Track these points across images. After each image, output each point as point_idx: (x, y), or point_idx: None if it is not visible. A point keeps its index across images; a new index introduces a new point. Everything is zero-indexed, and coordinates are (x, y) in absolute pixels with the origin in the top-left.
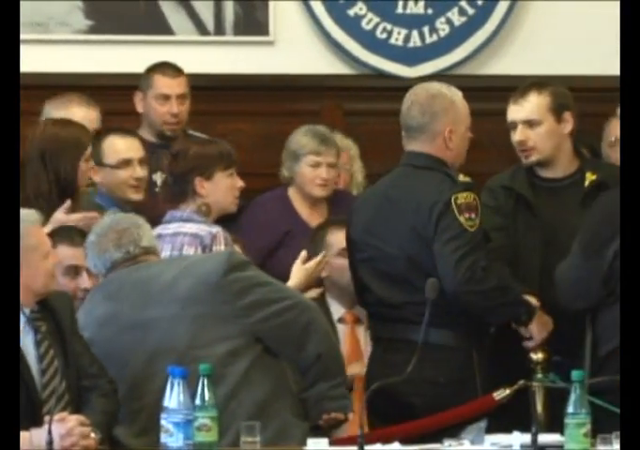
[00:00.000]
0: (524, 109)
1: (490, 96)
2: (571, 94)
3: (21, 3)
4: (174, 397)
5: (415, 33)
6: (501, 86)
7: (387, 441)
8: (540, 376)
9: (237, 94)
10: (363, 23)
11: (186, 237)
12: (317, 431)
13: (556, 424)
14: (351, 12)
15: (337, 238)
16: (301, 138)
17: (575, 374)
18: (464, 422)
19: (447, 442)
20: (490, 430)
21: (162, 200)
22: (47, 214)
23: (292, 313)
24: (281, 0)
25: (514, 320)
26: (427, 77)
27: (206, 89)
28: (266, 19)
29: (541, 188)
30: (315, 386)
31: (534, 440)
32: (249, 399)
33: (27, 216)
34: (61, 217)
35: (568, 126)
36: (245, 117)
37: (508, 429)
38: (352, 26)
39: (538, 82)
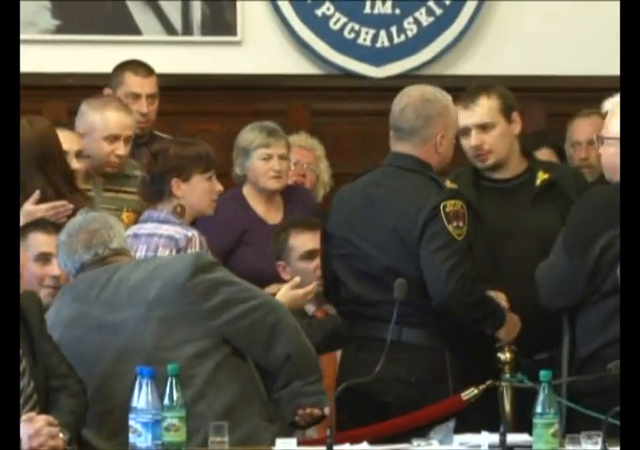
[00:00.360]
0: (476, 113)
1: (457, 96)
2: (539, 94)
3: None
4: (142, 397)
5: (382, 33)
6: None
7: (355, 441)
8: (507, 376)
9: (205, 94)
10: (331, 23)
11: (161, 239)
12: (295, 430)
13: (524, 424)
14: (319, 12)
15: (299, 242)
16: (249, 134)
17: (543, 374)
18: (433, 422)
19: (415, 442)
20: (458, 430)
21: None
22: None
23: (258, 313)
24: (249, 0)
25: (492, 327)
26: (395, 77)
27: (174, 89)
28: (234, 19)
29: (489, 190)
30: (289, 386)
31: (502, 440)
32: (217, 401)
33: None
34: (30, 208)
35: (517, 126)
36: (212, 117)
37: (476, 429)
38: (320, 26)
39: (483, 86)
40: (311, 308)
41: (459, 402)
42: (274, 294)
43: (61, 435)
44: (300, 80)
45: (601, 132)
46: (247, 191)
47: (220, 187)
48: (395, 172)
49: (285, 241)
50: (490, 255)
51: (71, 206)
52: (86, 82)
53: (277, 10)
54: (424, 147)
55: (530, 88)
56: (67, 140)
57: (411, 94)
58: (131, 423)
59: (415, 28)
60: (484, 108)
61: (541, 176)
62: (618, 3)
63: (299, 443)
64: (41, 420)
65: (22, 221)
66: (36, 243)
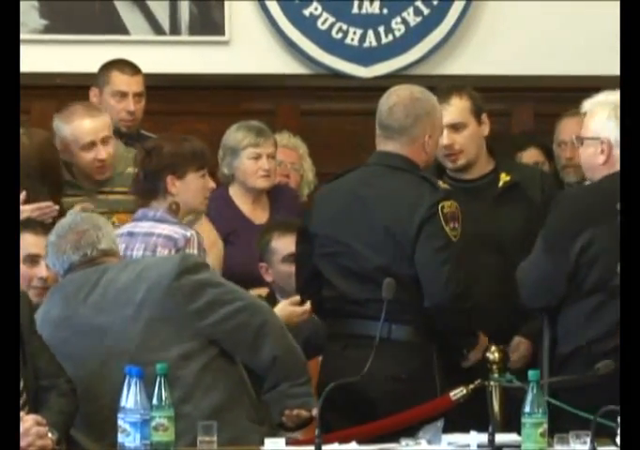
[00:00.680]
0: (449, 113)
1: None
2: (527, 94)
3: None
4: (130, 396)
5: (370, 33)
6: None
7: (344, 441)
8: (496, 375)
9: (193, 94)
10: (319, 23)
11: (160, 238)
12: (283, 431)
13: (513, 423)
14: (306, 12)
15: (282, 244)
16: (237, 134)
17: (531, 374)
18: (422, 422)
19: (404, 442)
20: (447, 430)
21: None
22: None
23: (244, 315)
24: (237, 0)
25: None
26: (382, 77)
27: (162, 89)
28: (222, 19)
29: (454, 190)
30: (276, 388)
31: (491, 439)
32: (204, 403)
33: None
34: None
35: (486, 128)
36: (200, 117)
37: (465, 429)
38: (307, 26)
39: (455, 86)
40: None
41: (448, 402)
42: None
43: (50, 435)
44: (288, 79)
45: (580, 133)
46: (233, 191)
47: (212, 185)
48: (385, 172)
49: (268, 243)
50: None
51: (57, 207)
52: (75, 81)
53: (265, 10)
54: (412, 146)
55: (518, 88)
56: (91, 129)
57: (400, 93)
58: (120, 422)
59: (403, 28)
60: (457, 108)
61: (503, 178)
62: (607, 3)
63: (288, 443)
64: (30, 420)
65: None
66: (24, 244)
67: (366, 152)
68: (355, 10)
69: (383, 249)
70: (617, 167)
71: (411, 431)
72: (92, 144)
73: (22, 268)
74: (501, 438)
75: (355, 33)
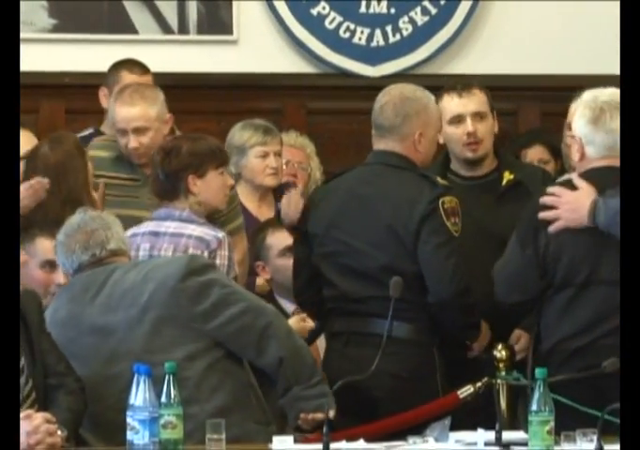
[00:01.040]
0: (472, 101)
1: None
2: (534, 93)
3: None
4: (139, 394)
5: (378, 32)
6: None
7: (352, 439)
8: (503, 373)
9: (201, 93)
10: (326, 23)
11: (190, 240)
12: (302, 433)
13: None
14: (314, 11)
15: (277, 239)
16: (244, 132)
17: (538, 372)
18: (429, 420)
19: (411, 440)
20: (454, 427)
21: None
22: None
23: (249, 317)
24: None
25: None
26: (390, 76)
27: (170, 88)
28: (230, 18)
29: (458, 186)
30: (290, 391)
31: (498, 437)
32: (209, 404)
33: None
34: None
35: (495, 126)
36: (208, 116)
37: (472, 426)
38: (315, 25)
39: (472, 82)
40: (290, 307)
41: (455, 400)
42: None
43: (59, 432)
44: (296, 79)
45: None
46: (240, 190)
47: (231, 182)
48: (384, 170)
49: (263, 240)
50: None
51: (47, 181)
52: (83, 80)
53: (272, 9)
54: (404, 144)
55: (525, 87)
56: (123, 118)
57: (391, 92)
58: (129, 420)
59: (410, 27)
60: (480, 98)
61: (507, 177)
62: (612, 3)
63: (296, 441)
64: (39, 417)
65: None
66: (42, 249)
67: None
68: (362, 10)
69: (384, 247)
70: (592, 164)
71: (418, 429)
72: (124, 132)
73: (40, 274)
74: (508, 435)
75: (362, 32)
